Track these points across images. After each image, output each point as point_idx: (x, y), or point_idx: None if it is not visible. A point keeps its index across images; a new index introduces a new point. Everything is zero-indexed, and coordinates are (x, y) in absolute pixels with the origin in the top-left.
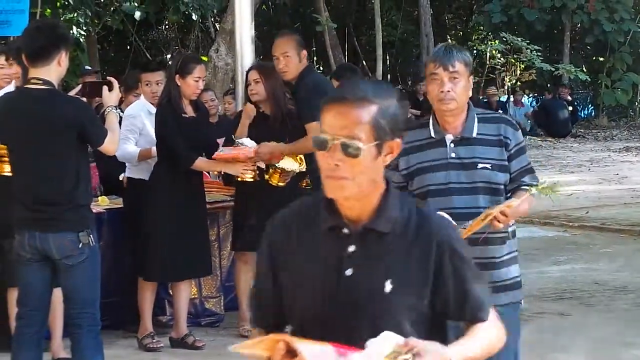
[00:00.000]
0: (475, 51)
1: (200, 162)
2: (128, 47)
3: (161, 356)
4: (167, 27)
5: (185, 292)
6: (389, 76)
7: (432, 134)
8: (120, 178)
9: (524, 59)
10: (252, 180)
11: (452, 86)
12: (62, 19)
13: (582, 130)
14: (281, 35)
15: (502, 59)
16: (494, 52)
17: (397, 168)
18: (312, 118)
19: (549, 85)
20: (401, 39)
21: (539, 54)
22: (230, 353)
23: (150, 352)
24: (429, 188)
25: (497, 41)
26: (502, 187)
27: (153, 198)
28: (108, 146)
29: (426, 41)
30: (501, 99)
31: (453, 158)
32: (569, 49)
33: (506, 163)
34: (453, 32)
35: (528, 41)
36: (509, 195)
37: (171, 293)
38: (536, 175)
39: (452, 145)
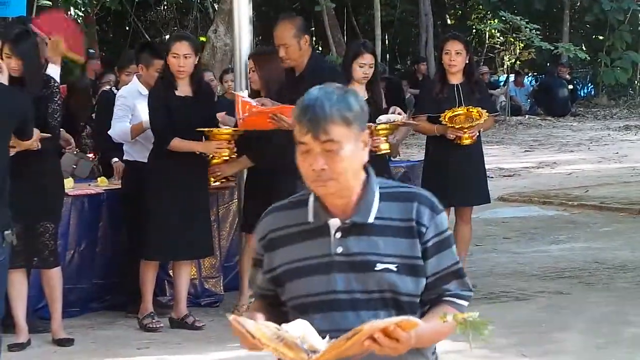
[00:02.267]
0: (474, 30)
1: (176, 142)
2: (127, 28)
3: (161, 336)
4: (165, 7)
5: (185, 273)
6: (387, 56)
7: (310, 218)
8: (112, 163)
9: (523, 38)
10: (227, 158)
11: (327, 160)
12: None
13: (581, 109)
14: (280, 22)
15: (501, 38)
16: (493, 31)
17: (260, 265)
18: None
19: (548, 64)
20: (400, 18)
21: (538, 32)
22: (229, 332)
23: (150, 332)
24: (305, 300)
25: (496, 20)
26: (414, 298)
27: (153, 178)
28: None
29: (425, 20)
30: (500, 78)
31: (340, 255)
32: (568, 27)
33: (420, 262)
34: (452, 11)
35: (527, 20)
36: (426, 309)
37: (171, 274)
38: (467, 282)
39: (338, 235)
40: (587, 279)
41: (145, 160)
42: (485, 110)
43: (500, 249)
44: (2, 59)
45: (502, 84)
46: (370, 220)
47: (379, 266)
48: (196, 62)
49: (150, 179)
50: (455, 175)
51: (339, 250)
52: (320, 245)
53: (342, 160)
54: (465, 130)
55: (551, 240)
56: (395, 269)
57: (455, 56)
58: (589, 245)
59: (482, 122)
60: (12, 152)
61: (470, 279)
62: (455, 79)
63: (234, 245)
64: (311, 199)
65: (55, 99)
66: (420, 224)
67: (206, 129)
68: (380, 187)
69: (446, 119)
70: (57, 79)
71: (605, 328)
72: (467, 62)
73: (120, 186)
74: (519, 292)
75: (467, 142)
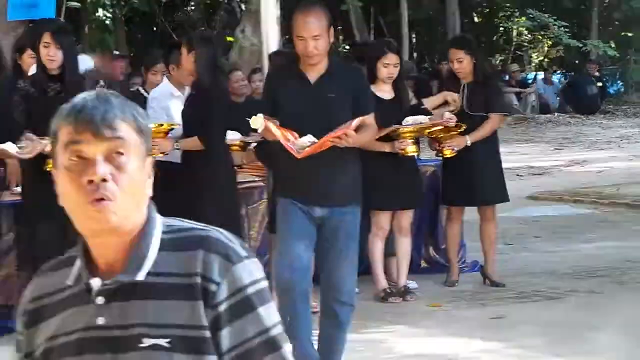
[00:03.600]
0: (501, 28)
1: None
2: (154, 29)
3: None
4: (193, 8)
5: None
6: (414, 55)
7: (70, 280)
8: None
9: (552, 36)
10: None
11: (113, 169)
12: (88, 1)
13: (611, 106)
14: (311, 10)
15: (529, 36)
16: (520, 29)
17: (18, 349)
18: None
19: (576, 61)
20: (427, 17)
21: (567, 30)
22: None
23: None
24: None
25: (524, 18)
26: None
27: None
28: None
29: (452, 19)
30: (528, 76)
31: (99, 328)
32: (596, 24)
33: (206, 333)
34: (479, 9)
35: (555, 17)
36: None
37: None
38: (287, 355)
39: (100, 300)
40: (619, 278)
41: (175, 160)
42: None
43: (531, 248)
44: (39, 49)
45: (530, 81)
46: (141, 277)
47: (146, 342)
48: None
49: (198, 179)
50: (471, 174)
51: (100, 321)
52: (81, 316)
53: (129, 174)
54: (442, 143)
55: (583, 239)
56: (167, 345)
57: (458, 64)
58: (621, 243)
59: (454, 135)
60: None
61: (502, 278)
62: (464, 79)
63: (264, 245)
64: (81, 248)
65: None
66: (208, 279)
67: None
68: (164, 232)
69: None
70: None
71: (638, 327)
72: (474, 62)
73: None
74: (551, 291)
75: (448, 155)
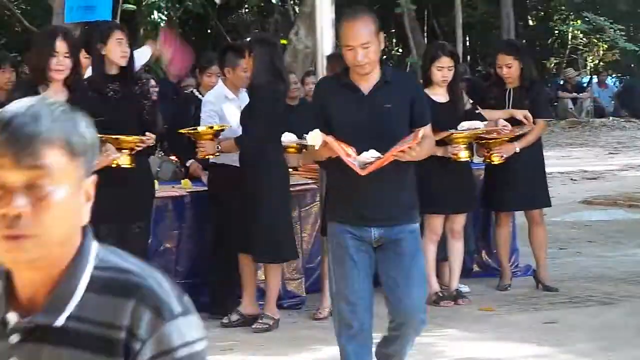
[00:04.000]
0: (556, 31)
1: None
2: (208, 31)
3: (244, 338)
4: (247, 10)
5: (278, 274)
6: (468, 57)
7: None
8: (187, 164)
9: (607, 39)
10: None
11: (31, 202)
12: (144, 3)
13: None
14: (358, 17)
15: (584, 39)
16: (576, 32)
17: None
18: (429, 119)
19: (632, 65)
20: (481, 19)
21: (623, 33)
22: (312, 334)
23: (259, 332)
24: None
25: (579, 21)
26: None
27: (261, 180)
28: None
29: (507, 22)
30: (583, 80)
31: None
32: None
33: None
34: (534, 12)
35: (611, 21)
36: None
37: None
38: None
39: (15, 338)
40: None
41: (233, 163)
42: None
43: (585, 253)
44: (108, 47)
45: (585, 85)
46: (60, 321)
47: None
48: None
49: (261, 180)
50: (515, 179)
51: None
52: None
53: (52, 206)
54: (491, 150)
55: (637, 243)
56: None
57: (507, 69)
58: None
59: (503, 140)
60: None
61: (555, 283)
62: (510, 84)
63: (316, 247)
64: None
65: (149, 96)
66: (133, 335)
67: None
68: (97, 267)
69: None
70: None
71: None
72: (521, 67)
73: (203, 188)
74: (604, 296)
75: (496, 161)
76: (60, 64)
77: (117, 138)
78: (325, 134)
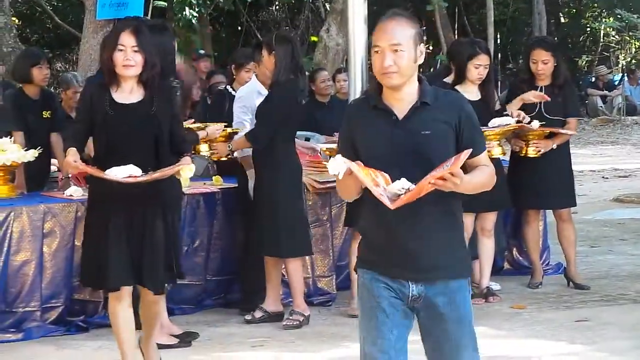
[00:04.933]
0: (588, 29)
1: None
2: (239, 28)
3: (275, 334)
4: (277, 7)
5: (300, 269)
6: (499, 55)
7: None
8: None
9: None
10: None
11: None
12: (175, 0)
13: None
14: (391, 16)
15: (616, 36)
16: (608, 29)
17: None
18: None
19: None
20: (513, 17)
21: None
22: (343, 331)
23: (290, 329)
24: None
25: (611, 18)
26: None
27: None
28: None
29: (538, 19)
30: (615, 77)
31: None
32: None
33: None
34: (566, 9)
35: None
36: None
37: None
38: None
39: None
40: None
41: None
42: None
43: (617, 251)
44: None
45: (616, 83)
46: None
47: None
48: None
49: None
50: (542, 178)
51: None
52: None
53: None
54: (529, 142)
55: None
56: None
57: (542, 65)
58: None
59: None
60: None
61: (586, 281)
62: (541, 82)
63: (347, 244)
64: None
65: (178, 94)
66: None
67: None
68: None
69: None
70: None
71: None
72: (555, 64)
73: (234, 185)
74: (636, 295)
75: (532, 155)
76: (127, 58)
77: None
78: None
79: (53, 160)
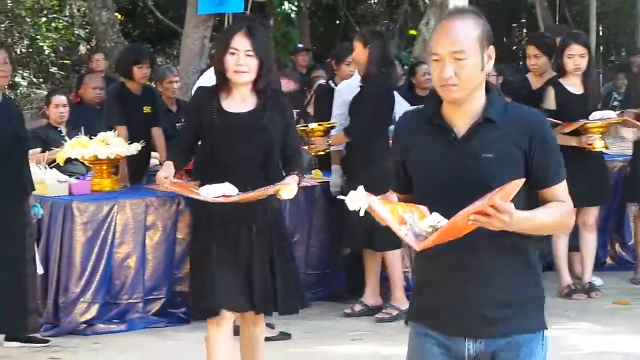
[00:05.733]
0: None
1: None
2: (337, 22)
3: (374, 328)
4: (376, 1)
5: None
6: (601, 48)
7: None
8: None
9: None
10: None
11: None
12: None
13: None
14: (453, 15)
15: None
16: None
17: None
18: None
19: None
20: (616, 9)
21: None
22: None
23: (382, 322)
24: None
25: None
26: None
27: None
28: None
29: None
30: None
31: None
32: None
33: None
34: None
35: None
36: None
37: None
38: None
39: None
40: None
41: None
42: None
43: None
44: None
45: None
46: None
47: None
48: None
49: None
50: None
51: None
52: None
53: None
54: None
55: None
56: None
57: None
58: None
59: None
60: None
61: None
62: None
63: None
64: None
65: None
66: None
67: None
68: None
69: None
70: None
71: None
72: None
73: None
74: None
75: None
76: (239, 63)
77: None
78: (406, 194)
79: (154, 154)
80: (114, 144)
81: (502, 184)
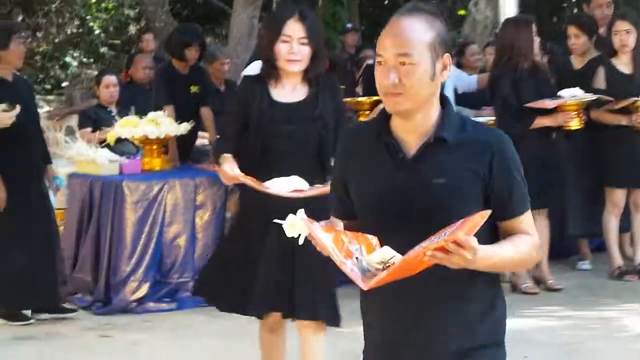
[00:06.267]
0: None
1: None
2: (386, 2)
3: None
4: None
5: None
6: None
7: None
8: None
9: None
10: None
11: None
12: None
13: None
14: (404, 15)
15: None
16: None
17: None
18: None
19: None
20: None
21: None
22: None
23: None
24: None
25: None
26: None
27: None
28: None
29: None
30: None
31: None
32: None
33: None
34: None
35: None
36: None
37: None
38: None
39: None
40: None
41: None
42: None
43: None
44: None
45: None
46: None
47: None
48: None
49: None
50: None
51: None
52: None
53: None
54: None
55: None
56: None
57: None
58: None
59: None
60: None
61: None
62: None
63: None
64: None
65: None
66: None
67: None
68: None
69: None
70: None
71: None
72: None
73: None
74: None
75: None
76: (292, 51)
77: None
78: (351, 220)
79: (201, 133)
80: (164, 123)
81: (455, 213)
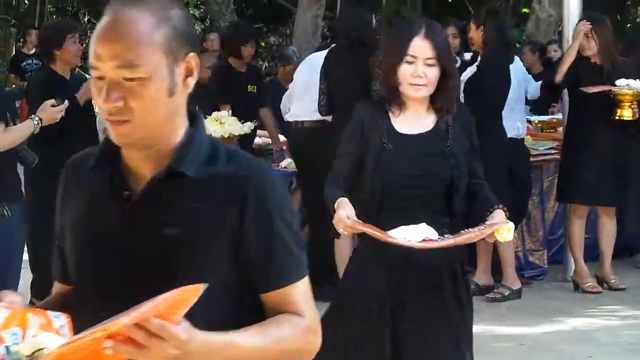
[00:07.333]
0: None
1: None
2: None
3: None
4: None
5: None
6: None
7: None
8: None
9: None
10: (630, 118)
11: None
12: None
13: None
14: (122, 4)
15: None
16: None
17: None
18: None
19: None
20: None
21: None
22: (550, 306)
23: (492, 302)
24: None
25: None
26: None
27: None
28: None
29: None
30: None
31: None
32: None
33: None
34: None
35: None
36: None
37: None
38: None
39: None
40: None
41: None
42: None
43: None
44: None
45: None
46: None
47: None
48: None
49: None
50: None
51: None
52: None
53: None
54: None
55: None
56: None
57: None
58: None
59: None
60: None
61: None
62: None
63: (558, 218)
64: None
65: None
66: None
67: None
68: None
69: None
70: None
71: None
72: None
73: None
74: None
75: None
76: (417, 75)
77: None
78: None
79: (260, 132)
80: (228, 123)
81: (197, 275)
